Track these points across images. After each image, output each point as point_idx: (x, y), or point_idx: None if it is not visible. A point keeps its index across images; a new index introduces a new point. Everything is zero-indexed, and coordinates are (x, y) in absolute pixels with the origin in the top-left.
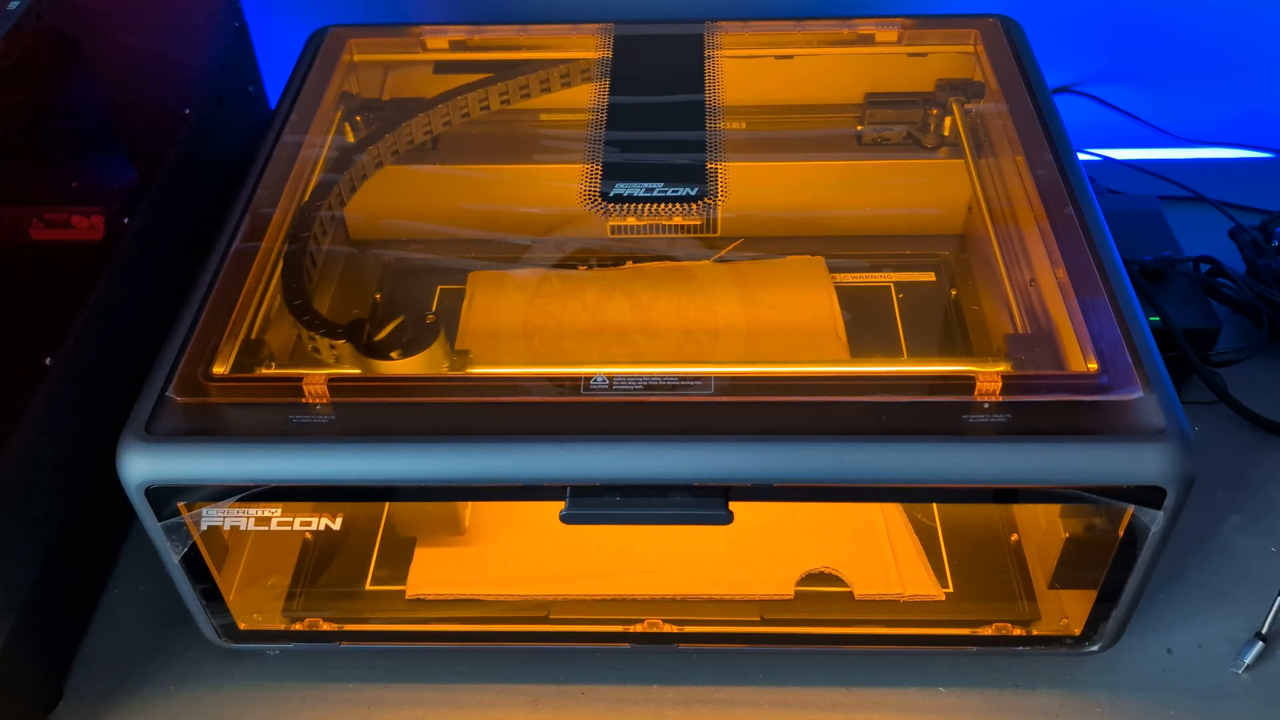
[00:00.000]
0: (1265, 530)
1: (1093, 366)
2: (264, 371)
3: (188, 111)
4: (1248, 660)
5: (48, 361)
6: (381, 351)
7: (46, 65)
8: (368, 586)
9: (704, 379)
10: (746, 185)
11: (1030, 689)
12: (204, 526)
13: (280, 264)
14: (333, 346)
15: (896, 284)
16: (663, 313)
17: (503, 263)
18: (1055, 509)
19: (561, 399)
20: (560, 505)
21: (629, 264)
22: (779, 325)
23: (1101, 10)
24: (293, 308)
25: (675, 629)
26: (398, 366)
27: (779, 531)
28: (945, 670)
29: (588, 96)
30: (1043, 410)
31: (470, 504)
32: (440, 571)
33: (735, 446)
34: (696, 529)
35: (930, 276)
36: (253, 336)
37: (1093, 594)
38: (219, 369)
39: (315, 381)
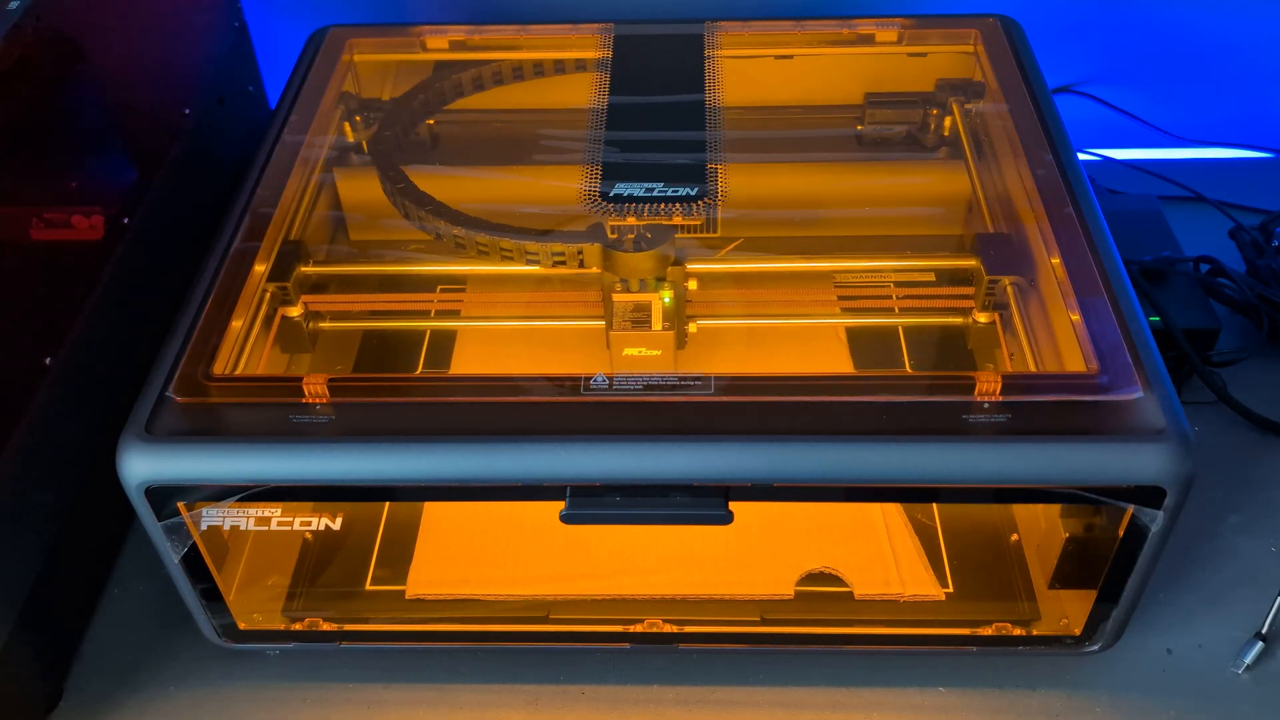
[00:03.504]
0: (1265, 531)
1: (1093, 367)
2: (302, 298)
3: (188, 111)
4: (1248, 660)
5: (48, 361)
6: (624, 247)
7: (46, 65)
8: (368, 586)
9: (704, 379)
10: (746, 185)
11: (1030, 689)
12: (204, 526)
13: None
14: (580, 251)
15: (896, 284)
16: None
17: None
18: (1055, 509)
19: (561, 399)
20: (560, 505)
21: None
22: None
23: (1101, 10)
24: (516, 231)
25: (675, 629)
26: (638, 259)
27: (779, 531)
28: (945, 670)
29: (588, 96)
30: (1043, 410)
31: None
32: (440, 571)
33: (735, 446)
34: (696, 529)
35: (930, 276)
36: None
37: (1093, 594)
38: (261, 268)
39: (315, 381)
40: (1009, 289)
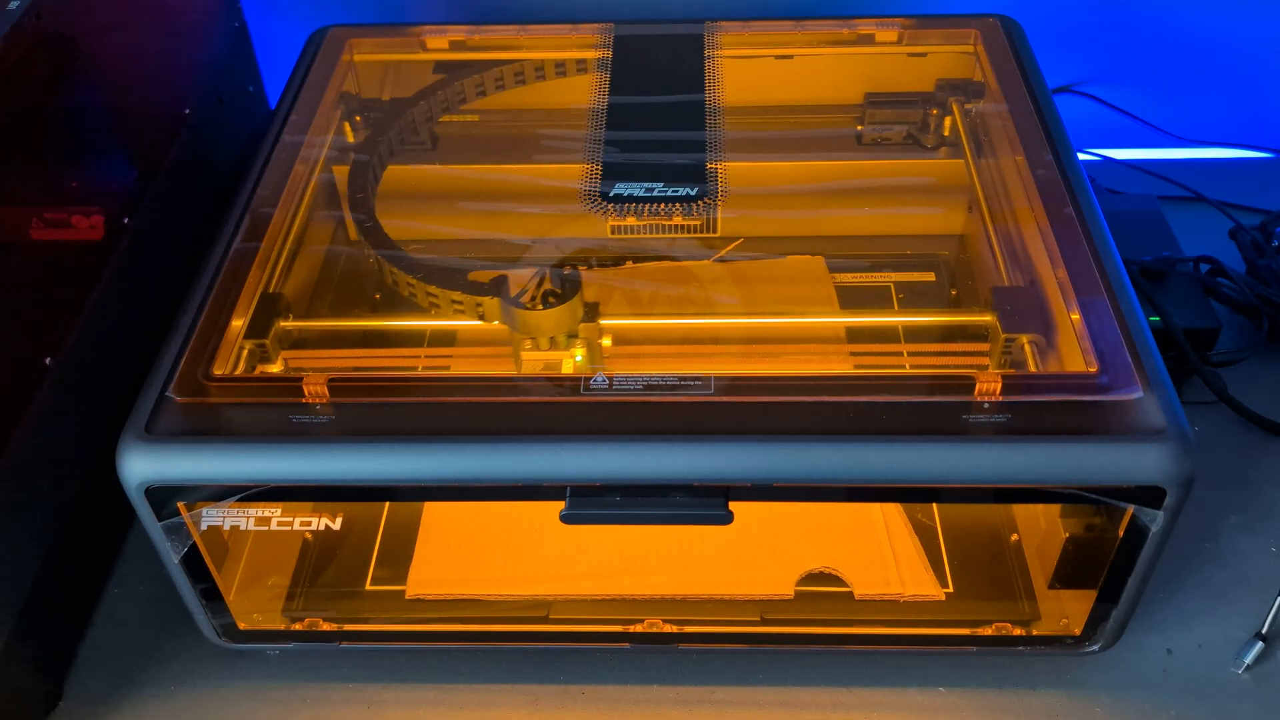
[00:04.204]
0: (1265, 530)
1: (1093, 367)
2: (281, 326)
3: (188, 111)
4: (1248, 660)
5: (48, 361)
6: (526, 304)
7: (46, 65)
8: (368, 586)
9: (704, 379)
10: (746, 185)
11: (1030, 689)
12: (204, 526)
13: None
14: (479, 304)
15: (896, 284)
16: (663, 312)
17: (503, 263)
18: (1055, 509)
19: (561, 399)
20: (560, 505)
21: (629, 264)
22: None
23: (1101, 10)
24: (422, 276)
25: (675, 629)
26: (542, 317)
27: (779, 531)
28: (945, 670)
29: (588, 96)
30: (1043, 410)
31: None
32: (440, 571)
33: (735, 446)
34: (696, 529)
35: (930, 276)
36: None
37: (1093, 594)
38: (236, 323)
39: (315, 381)
40: (1027, 347)
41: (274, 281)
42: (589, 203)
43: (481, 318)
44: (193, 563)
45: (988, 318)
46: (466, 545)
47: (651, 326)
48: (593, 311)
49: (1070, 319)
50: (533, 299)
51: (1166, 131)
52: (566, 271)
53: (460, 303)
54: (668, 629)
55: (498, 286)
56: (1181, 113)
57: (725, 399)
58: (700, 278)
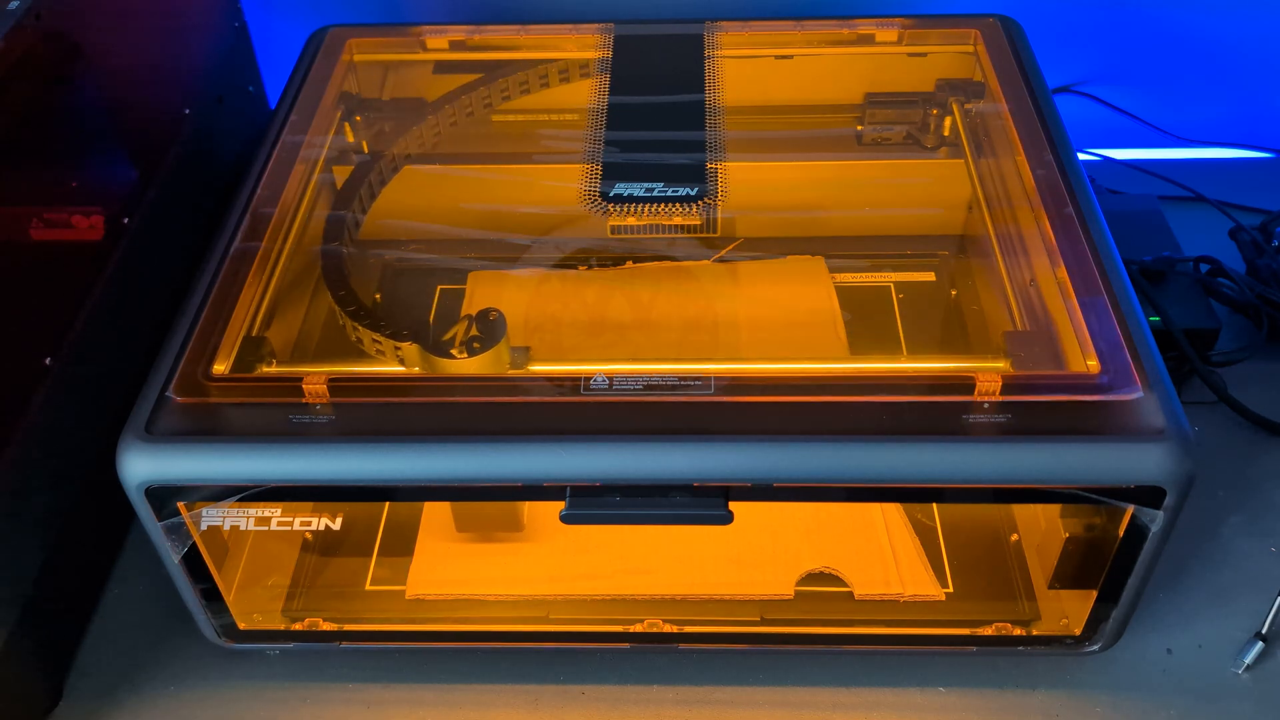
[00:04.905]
0: (1265, 530)
1: (1093, 367)
2: (265, 370)
3: (188, 111)
4: (1248, 660)
5: (48, 361)
6: (448, 351)
7: (46, 65)
8: (368, 586)
9: (704, 379)
10: (746, 185)
11: (1030, 689)
12: (204, 526)
13: (318, 272)
14: (398, 348)
15: (896, 284)
16: (663, 313)
17: (503, 263)
18: (1055, 509)
19: (561, 399)
20: (560, 505)
21: (629, 264)
22: (779, 325)
23: (1101, 10)
24: (350, 312)
25: (675, 629)
26: (464, 365)
27: (779, 531)
28: (945, 670)
29: (588, 96)
30: (1043, 410)
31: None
32: (440, 571)
33: (735, 446)
34: (696, 529)
35: (930, 276)
36: (253, 334)
37: (1093, 594)
38: (219, 368)
39: (315, 381)
40: None
41: (272, 283)
42: (589, 203)
43: (401, 363)
44: (193, 563)
45: (1001, 364)
46: (466, 545)
47: (599, 372)
48: (521, 358)
49: (1070, 319)
50: (461, 346)
51: (1166, 131)
52: (493, 317)
53: (380, 343)
54: (668, 629)
55: (420, 331)
56: (1181, 113)
57: (725, 399)
58: (698, 276)
